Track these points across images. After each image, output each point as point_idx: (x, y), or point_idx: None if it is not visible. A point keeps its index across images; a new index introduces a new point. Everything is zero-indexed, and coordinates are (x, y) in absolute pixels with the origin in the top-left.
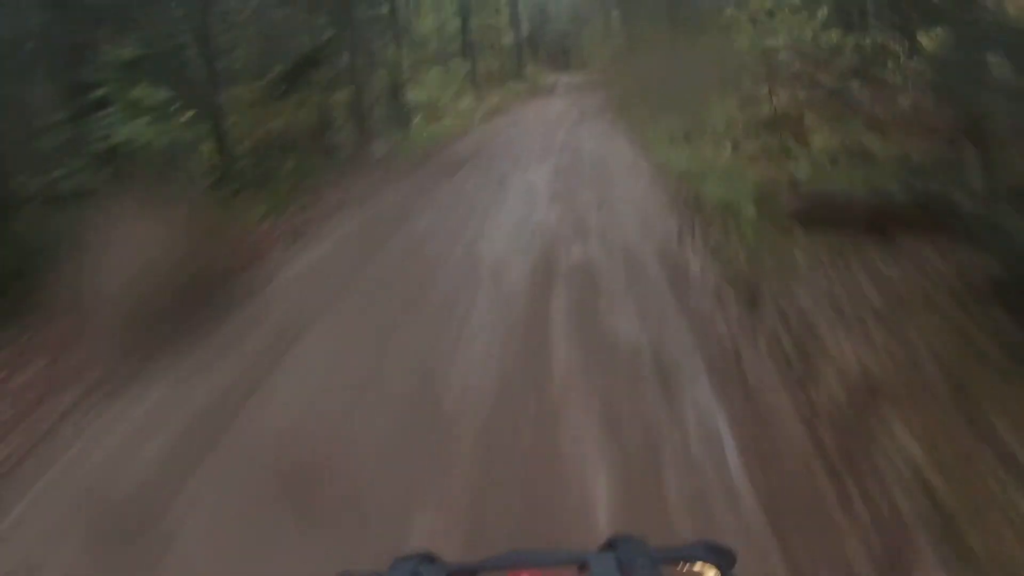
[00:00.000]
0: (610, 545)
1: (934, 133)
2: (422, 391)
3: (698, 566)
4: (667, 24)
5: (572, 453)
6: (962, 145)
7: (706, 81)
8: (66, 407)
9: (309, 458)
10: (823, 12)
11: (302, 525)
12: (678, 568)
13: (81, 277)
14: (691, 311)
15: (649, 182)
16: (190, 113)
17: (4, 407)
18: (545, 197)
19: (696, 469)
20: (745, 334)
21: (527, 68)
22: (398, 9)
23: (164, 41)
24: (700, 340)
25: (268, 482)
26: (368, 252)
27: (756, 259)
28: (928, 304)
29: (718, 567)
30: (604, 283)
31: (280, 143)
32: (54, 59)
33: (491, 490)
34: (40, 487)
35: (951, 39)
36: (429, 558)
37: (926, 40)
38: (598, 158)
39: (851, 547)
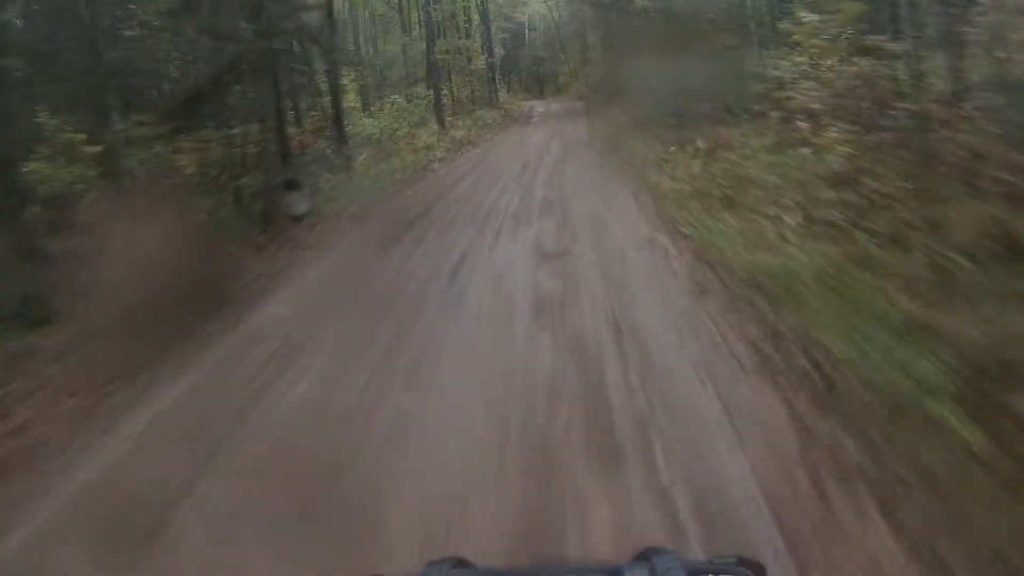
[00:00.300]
0: (643, 556)
1: None
2: None
3: None
4: (658, 47)
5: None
6: None
7: (722, 112)
8: None
9: None
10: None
11: None
12: None
13: None
14: None
15: (694, 298)
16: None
17: None
18: (524, 318)
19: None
20: None
21: (499, 95)
22: (337, 24)
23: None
24: None
25: None
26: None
27: None
28: None
29: None
30: None
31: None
32: None
33: None
34: None
35: None
36: (462, 562)
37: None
38: (599, 231)
39: None
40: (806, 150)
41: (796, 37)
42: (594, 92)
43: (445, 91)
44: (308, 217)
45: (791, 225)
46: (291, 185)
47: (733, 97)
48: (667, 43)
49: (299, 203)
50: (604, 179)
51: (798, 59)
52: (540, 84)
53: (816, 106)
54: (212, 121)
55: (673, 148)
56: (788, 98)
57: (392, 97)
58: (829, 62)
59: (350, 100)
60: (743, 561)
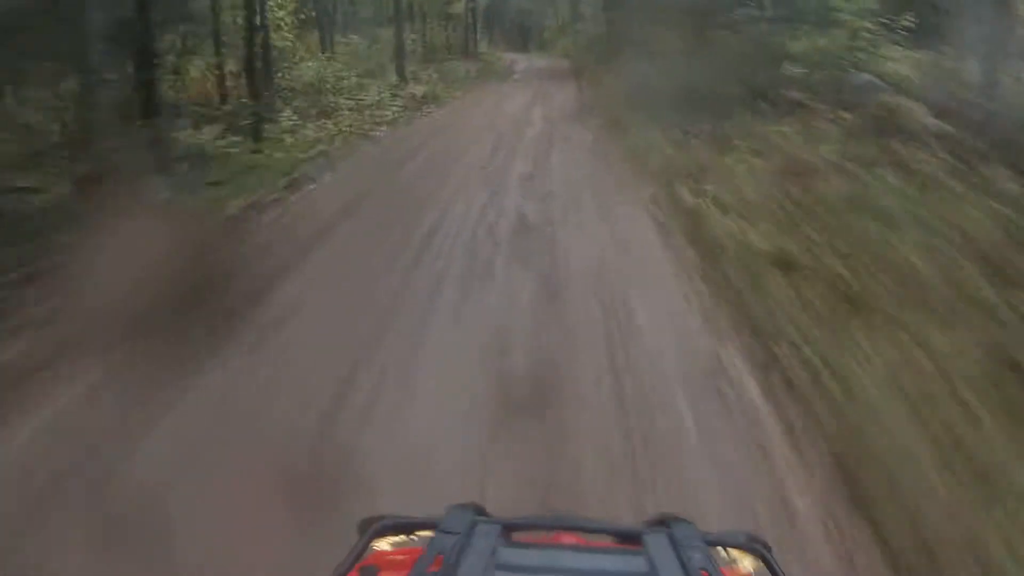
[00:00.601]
0: (661, 523)
1: None
2: None
3: (737, 552)
4: (675, 13)
5: None
6: None
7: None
8: None
9: None
10: None
11: None
12: (720, 552)
13: None
14: None
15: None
16: None
17: None
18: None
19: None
20: None
21: (479, 45)
22: None
23: None
24: None
25: None
26: None
27: None
28: None
29: (755, 553)
30: None
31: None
32: None
33: None
34: None
35: None
36: (481, 511)
37: None
38: (614, 317)
39: None
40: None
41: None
42: (585, 52)
43: (414, 35)
44: (154, 221)
45: None
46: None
47: (766, 81)
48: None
49: (161, 189)
50: (609, 185)
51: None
52: (524, 38)
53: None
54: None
55: (704, 147)
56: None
57: (351, 38)
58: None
59: (288, 39)
60: (752, 538)
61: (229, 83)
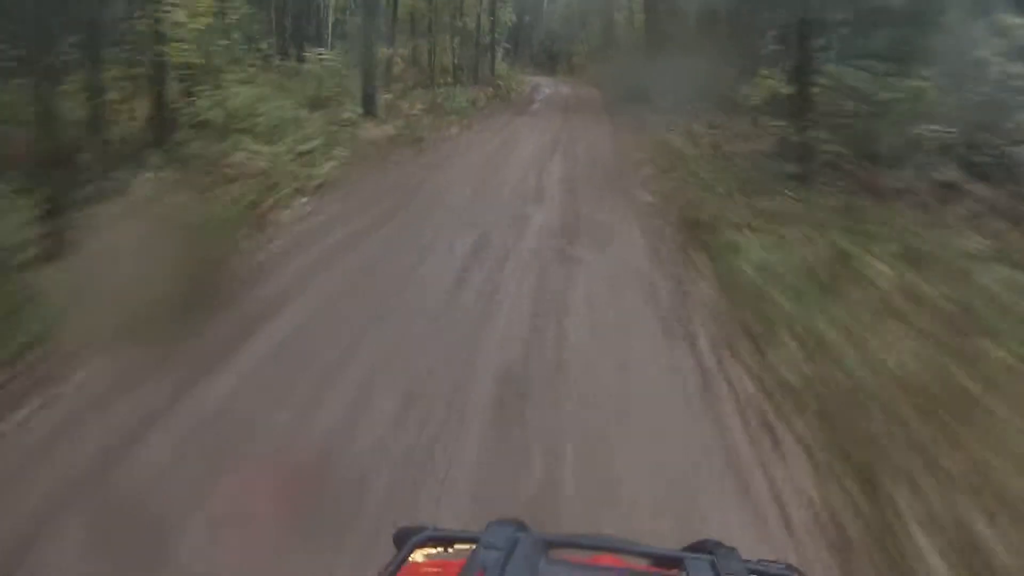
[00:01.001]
0: (702, 549)
1: None
2: None
3: None
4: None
5: None
6: None
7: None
8: None
9: None
10: None
11: None
12: None
13: None
14: None
15: None
16: None
17: None
18: None
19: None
20: None
21: (499, 66)
22: None
23: None
24: None
25: None
26: None
27: None
28: None
29: None
30: None
31: None
32: None
33: None
34: None
35: None
36: (522, 526)
37: None
38: None
39: None
40: None
41: None
42: (617, 82)
43: (403, 52)
44: None
45: None
46: None
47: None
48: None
49: None
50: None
51: None
52: (553, 61)
53: None
54: None
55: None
56: None
57: (316, 52)
58: None
59: (189, 51)
60: (791, 568)
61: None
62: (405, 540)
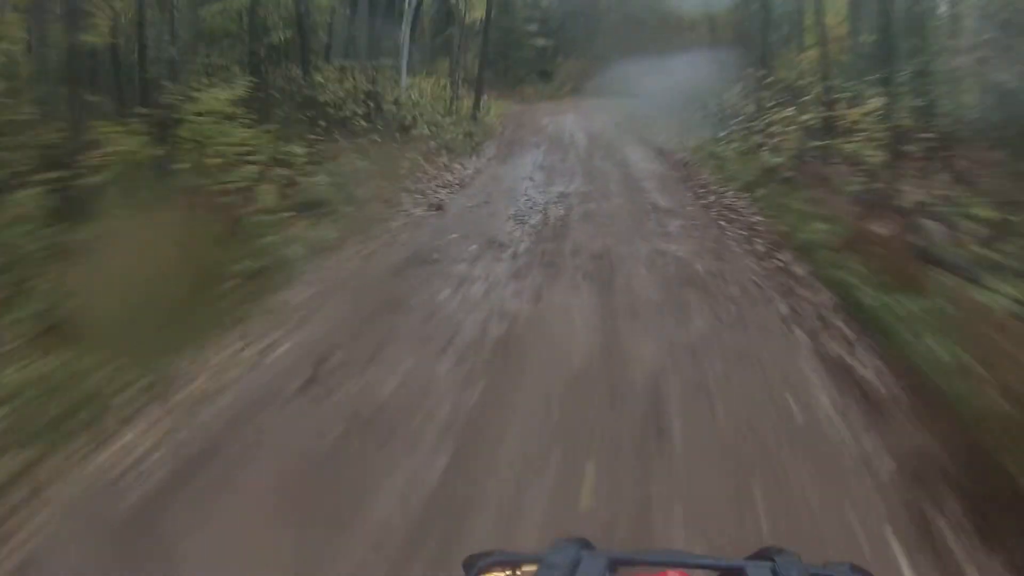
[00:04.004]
0: (763, 555)
1: None
2: None
3: None
4: None
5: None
6: None
7: None
8: None
9: None
10: None
11: None
12: None
13: None
14: None
15: None
16: None
17: None
18: None
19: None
20: None
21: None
22: None
23: None
24: None
25: None
26: None
27: None
28: None
29: None
30: None
31: None
32: None
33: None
34: None
35: None
36: (587, 544)
37: None
38: None
39: None
40: None
41: None
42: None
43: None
44: None
45: None
46: None
47: None
48: None
49: None
50: None
51: None
52: (546, 76)
53: None
54: None
55: None
56: None
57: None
58: None
59: None
60: (856, 568)
61: None
62: (474, 566)
